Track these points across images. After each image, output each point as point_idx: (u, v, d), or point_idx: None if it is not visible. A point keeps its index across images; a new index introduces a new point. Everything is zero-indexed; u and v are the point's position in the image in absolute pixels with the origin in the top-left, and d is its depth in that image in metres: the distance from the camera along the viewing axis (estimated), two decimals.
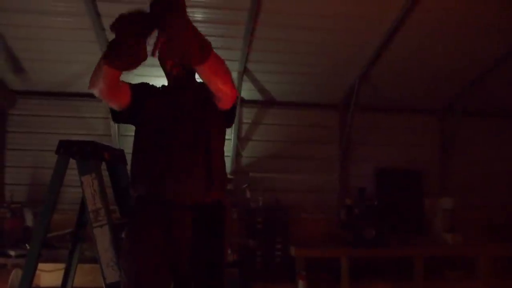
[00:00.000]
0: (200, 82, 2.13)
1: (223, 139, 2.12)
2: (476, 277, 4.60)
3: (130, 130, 2.55)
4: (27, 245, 3.96)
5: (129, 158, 2.05)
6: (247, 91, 4.99)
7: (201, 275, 1.94)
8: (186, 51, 1.58)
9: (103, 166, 2.13)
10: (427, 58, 4.57)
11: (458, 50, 4.47)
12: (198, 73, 1.79)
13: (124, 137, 4.81)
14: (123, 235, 1.99)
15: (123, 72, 1.67)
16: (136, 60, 1.59)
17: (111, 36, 1.55)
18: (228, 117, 2.06)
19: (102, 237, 1.99)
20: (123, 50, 1.57)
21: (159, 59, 2.04)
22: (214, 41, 2.22)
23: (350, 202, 4.88)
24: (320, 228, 5.06)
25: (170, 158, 1.89)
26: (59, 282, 2.34)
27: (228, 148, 4.94)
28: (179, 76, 2.01)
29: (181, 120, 1.96)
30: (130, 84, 1.96)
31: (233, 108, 2.04)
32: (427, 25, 4.07)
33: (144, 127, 2.00)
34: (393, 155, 5.36)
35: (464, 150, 5.45)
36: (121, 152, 2.55)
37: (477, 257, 4.62)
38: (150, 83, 2.11)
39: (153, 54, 1.57)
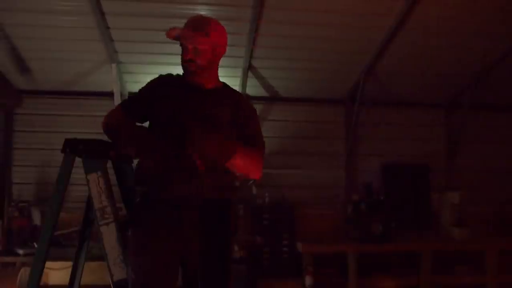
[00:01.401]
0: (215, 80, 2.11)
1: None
2: (484, 271, 4.58)
3: None
4: (35, 243, 3.99)
5: None
6: (252, 88, 4.97)
7: (208, 271, 1.94)
8: (212, 159, 1.84)
9: (109, 164, 2.13)
10: (432, 53, 4.52)
11: (463, 44, 4.42)
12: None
13: None
14: (129, 233, 1.99)
15: None
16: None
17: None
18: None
19: (109, 235, 2.00)
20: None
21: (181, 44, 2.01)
22: None
23: (356, 198, 4.87)
24: (327, 223, 5.05)
25: (177, 157, 1.87)
26: (66, 280, 2.35)
27: None
28: (195, 72, 1.98)
29: (190, 118, 1.93)
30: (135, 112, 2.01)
31: None
32: (432, 20, 4.03)
33: (152, 126, 2.00)
34: (399, 149, 5.34)
35: (471, 144, 5.41)
36: None
37: (485, 251, 4.60)
38: (163, 74, 2.07)
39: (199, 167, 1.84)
